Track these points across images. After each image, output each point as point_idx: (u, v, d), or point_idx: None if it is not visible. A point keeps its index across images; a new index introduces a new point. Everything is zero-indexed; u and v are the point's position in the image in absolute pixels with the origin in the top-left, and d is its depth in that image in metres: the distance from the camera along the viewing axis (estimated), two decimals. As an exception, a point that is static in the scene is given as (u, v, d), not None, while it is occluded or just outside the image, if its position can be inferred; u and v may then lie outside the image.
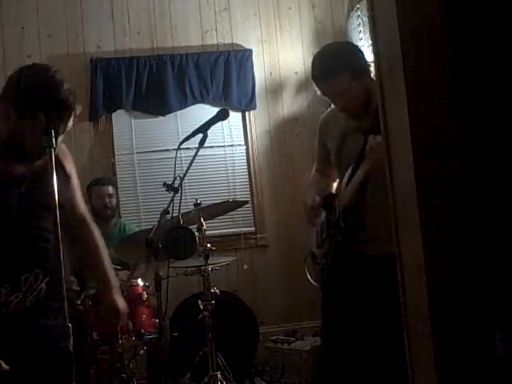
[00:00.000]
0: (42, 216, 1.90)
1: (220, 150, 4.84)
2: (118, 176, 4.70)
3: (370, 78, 2.28)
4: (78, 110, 1.91)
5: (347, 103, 2.31)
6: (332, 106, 2.50)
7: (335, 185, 2.60)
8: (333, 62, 2.28)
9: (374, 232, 2.27)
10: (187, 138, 2.54)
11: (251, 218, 4.85)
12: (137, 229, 4.34)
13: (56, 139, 1.70)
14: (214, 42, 4.89)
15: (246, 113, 4.89)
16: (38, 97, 1.79)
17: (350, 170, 2.33)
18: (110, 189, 4.29)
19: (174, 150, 2.85)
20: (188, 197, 3.89)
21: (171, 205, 2.49)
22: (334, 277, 2.38)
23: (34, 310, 1.89)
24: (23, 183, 1.88)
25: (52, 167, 1.68)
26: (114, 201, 4.28)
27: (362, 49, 4.31)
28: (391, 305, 2.08)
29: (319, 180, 2.64)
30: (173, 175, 2.51)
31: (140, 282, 3.44)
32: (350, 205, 2.31)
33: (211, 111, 4.22)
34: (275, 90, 4.93)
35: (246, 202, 4.13)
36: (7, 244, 1.85)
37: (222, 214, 3.81)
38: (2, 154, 1.88)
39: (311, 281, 2.54)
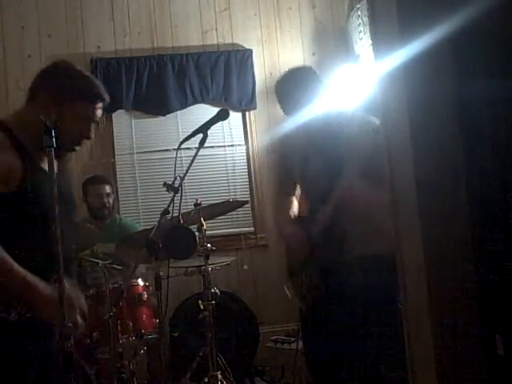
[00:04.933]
0: None
1: (220, 149, 4.84)
2: (118, 176, 4.69)
3: None
4: None
5: None
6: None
7: (295, 201, 2.79)
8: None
9: (355, 240, 2.43)
10: (187, 138, 2.53)
11: (251, 218, 4.85)
12: (135, 224, 4.31)
13: None
14: (214, 41, 4.89)
15: (246, 113, 4.89)
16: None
17: (318, 193, 2.50)
18: (108, 188, 4.10)
19: (174, 149, 2.85)
20: (188, 197, 3.88)
21: (171, 205, 2.48)
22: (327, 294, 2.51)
23: None
24: None
25: (52, 167, 1.68)
26: (111, 200, 4.12)
27: (362, 49, 4.34)
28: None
29: (287, 203, 2.79)
30: (173, 175, 2.51)
31: (140, 281, 3.45)
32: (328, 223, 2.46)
33: (211, 111, 4.21)
34: (275, 89, 4.92)
35: (246, 202, 4.12)
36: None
37: (222, 214, 3.81)
38: None
39: (290, 297, 2.73)
